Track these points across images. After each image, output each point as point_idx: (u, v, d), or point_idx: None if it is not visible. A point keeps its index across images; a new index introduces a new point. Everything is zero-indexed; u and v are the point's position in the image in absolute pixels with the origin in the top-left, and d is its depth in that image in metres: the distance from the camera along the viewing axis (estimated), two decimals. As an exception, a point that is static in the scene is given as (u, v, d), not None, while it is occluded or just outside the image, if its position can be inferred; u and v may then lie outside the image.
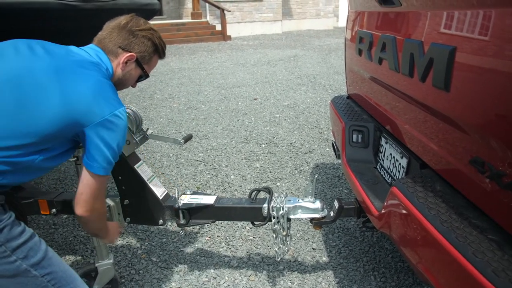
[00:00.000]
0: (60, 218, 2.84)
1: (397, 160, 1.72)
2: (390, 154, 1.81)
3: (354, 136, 2.09)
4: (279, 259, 2.03)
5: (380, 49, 1.71)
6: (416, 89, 1.40)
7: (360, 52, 2.04)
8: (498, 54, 0.99)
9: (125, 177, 1.97)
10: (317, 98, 6.02)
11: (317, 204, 1.86)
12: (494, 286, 0.87)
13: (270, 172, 3.60)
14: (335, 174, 3.51)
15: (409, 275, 2.21)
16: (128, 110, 1.91)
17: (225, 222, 2.75)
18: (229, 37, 13.07)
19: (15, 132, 1.20)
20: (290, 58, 9.47)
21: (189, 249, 2.52)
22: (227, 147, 4.23)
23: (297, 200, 1.88)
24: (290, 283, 2.17)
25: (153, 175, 2.04)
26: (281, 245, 1.93)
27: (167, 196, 2.03)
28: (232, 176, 3.54)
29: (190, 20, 13.58)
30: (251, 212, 1.92)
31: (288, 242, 1.98)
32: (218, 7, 12.76)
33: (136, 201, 2.01)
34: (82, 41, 1.43)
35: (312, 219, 1.89)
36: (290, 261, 2.36)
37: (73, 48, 1.41)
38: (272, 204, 1.87)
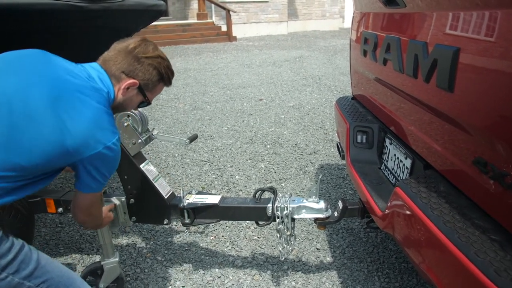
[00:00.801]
0: (66, 217, 2.86)
1: (401, 161, 1.73)
2: (394, 155, 1.81)
3: (359, 137, 2.10)
4: (283, 258, 2.04)
5: (384, 50, 1.72)
6: (420, 90, 1.41)
7: (365, 53, 2.05)
8: (502, 55, 0.99)
9: (130, 176, 1.99)
10: (322, 99, 6.02)
11: (321, 204, 1.87)
12: (496, 285, 0.88)
13: (275, 172, 3.61)
14: (340, 174, 3.52)
15: (413, 275, 2.21)
16: (135, 111, 1.93)
17: (230, 222, 2.77)
18: (235, 38, 13.10)
19: (4, 164, 1.16)
20: (295, 59, 9.47)
21: (194, 249, 2.53)
22: (232, 147, 4.24)
23: (301, 200, 1.89)
24: (294, 283, 2.18)
25: (158, 174, 2.06)
26: (285, 245, 1.94)
27: (172, 195, 2.04)
28: (237, 176, 3.55)
29: (196, 21, 13.63)
30: (255, 212, 1.93)
31: (292, 242, 1.99)
32: (224, 8, 12.80)
33: (141, 200, 2.03)
34: (88, 42, 1.44)
35: (316, 219, 1.90)
36: (294, 261, 2.37)
37: (76, 68, 1.35)
38: (276, 204, 1.89)
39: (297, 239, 2.57)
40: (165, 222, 2.03)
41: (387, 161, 1.90)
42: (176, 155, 4.09)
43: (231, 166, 3.77)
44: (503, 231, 1.03)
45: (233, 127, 4.87)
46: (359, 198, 1.93)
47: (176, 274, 2.30)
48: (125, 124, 1.91)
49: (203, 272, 2.31)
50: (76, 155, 1.23)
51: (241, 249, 2.51)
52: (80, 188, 1.34)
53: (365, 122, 2.13)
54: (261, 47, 11.87)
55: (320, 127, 4.77)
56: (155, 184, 2.00)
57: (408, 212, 1.30)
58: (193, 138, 2.12)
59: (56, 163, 1.26)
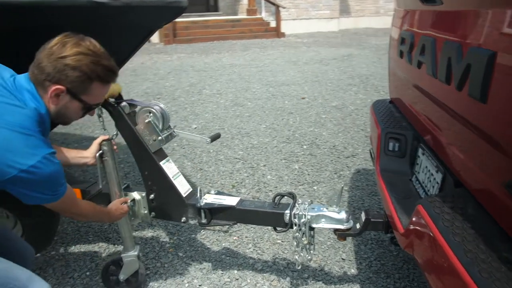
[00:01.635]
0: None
1: (432, 175, 1.58)
2: (426, 167, 1.66)
3: (391, 144, 1.96)
4: (300, 267, 1.94)
5: (419, 51, 1.57)
6: (452, 98, 1.27)
7: (401, 54, 1.90)
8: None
9: (150, 173, 1.98)
10: (367, 99, 5.80)
11: (342, 215, 1.75)
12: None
13: (308, 174, 3.49)
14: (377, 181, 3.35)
15: (443, 297, 2.04)
16: (156, 107, 1.90)
17: (255, 223, 2.70)
18: (283, 34, 12.96)
19: None
20: (343, 57, 9.22)
21: (215, 247, 2.49)
22: (267, 146, 4.17)
23: (321, 208, 1.79)
24: (313, 293, 2.09)
25: (178, 172, 2.03)
26: (302, 254, 1.84)
27: (191, 194, 2.00)
28: (268, 176, 3.48)
29: (245, 17, 13.62)
30: (272, 217, 1.85)
31: (312, 251, 1.89)
32: (274, 4, 12.69)
33: (160, 196, 2.01)
34: (109, 40, 1.41)
35: (336, 230, 1.79)
36: (316, 269, 2.27)
37: (4, 84, 1.26)
38: (294, 210, 1.79)
39: (322, 247, 2.46)
40: (182, 220, 2.00)
41: (419, 173, 1.75)
42: (211, 151, 4.07)
43: (264, 165, 3.70)
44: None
45: (271, 125, 4.80)
46: (384, 211, 1.80)
47: (195, 272, 2.27)
48: (146, 120, 1.89)
49: (222, 272, 2.26)
50: None
51: (263, 252, 2.44)
52: (29, 203, 1.28)
53: (398, 128, 1.98)
54: (310, 44, 11.67)
55: (362, 130, 4.59)
56: (174, 182, 1.97)
57: (427, 234, 1.17)
58: (215, 137, 2.07)
59: None
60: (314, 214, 1.77)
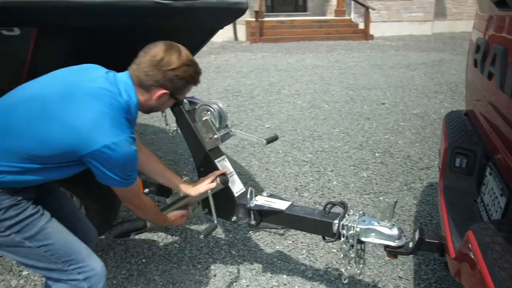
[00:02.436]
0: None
1: (496, 197, 1.43)
2: (492, 188, 1.51)
3: (458, 160, 1.80)
4: (346, 281, 1.87)
5: (490, 61, 1.43)
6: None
7: (475, 62, 1.74)
8: None
9: (205, 169, 2.02)
10: (453, 109, 5.39)
11: (394, 231, 1.65)
12: None
13: (376, 184, 3.35)
14: (451, 197, 3.11)
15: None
16: (214, 106, 1.94)
17: (312, 229, 2.65)
18: (372, 37, 12.53)
19: (20, 151, 1.33)
20: (434, 63, 8.67)
21: (269, 249, 2.49)
22: (338, 151, 4.07)
23: (372, 222, 1.70)
24: (361, 309, 2.00)
25: (232, 171, 2.06)
26: (349, 267, 1.77)
27: (243, 194, 2.02)
28: (334, 182, 3.40)
29: (333, 17, 13.39)
30: (321, 226, 1.80)
31: (361, 265, 1.81)
32: (363, 5, 12.32)
33: (213, 194, 2.04)
34: (172, 40, 1.47)
35: (386, 246, 1.69)
36: (369, 284, 2.17)
37: (104, 76, 1.45)
38: (343, 221, 1.73)
39: (379, 262, 2.34)
40: (233, 220, 2.02)
41: (484, 194, 1.59)
42: (280, 152, 4.08)
43: (332, 171, 3.61)
44: None
45: (345, 130, 4.67)
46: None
47: (244, 272, 2.29)
48: (204, 118, 1.94)
49: (271, 275, 2.25)
50: (77, 152, 1.33)
51: (316, 260, 2.39)
52: (102, 181, 1.42)
53: (468, 143, 1.82)
54: (398, 47, 11.15)
55: (442, 141, 4.28)
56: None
57: (473, 265, 1.06)
58: (271, 140, 2.06)
59: (63, 156, 1.37)
60: (364, 227, 1.69)
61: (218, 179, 1.88)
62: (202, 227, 2.71)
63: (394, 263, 2.33)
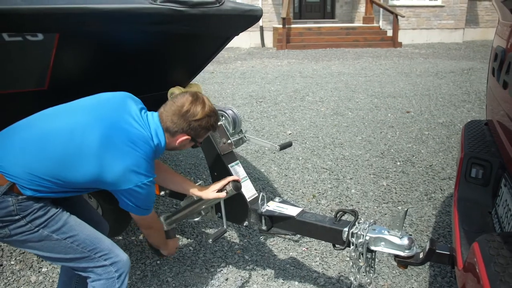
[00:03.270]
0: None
1: (509, 210, 1.39)
2: (506, 200, 1.47)
3: (473, 170, 1.76)
4: (356, 290, 1.85)
5: (506, 70, 1.40)
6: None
7: (493, 71, 1.70)
8: None
9: (219, 174, 2.05)
10: (480, 118, 5.26)
11: (404, 241, 1.62)
12: None
13: (396, 193, 3.30)
14: (473, 209, 3.02)
15: None
16: (229, 112, 1.98)
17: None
18: (400, 44, 12.35)
19: (53, 176, 1.47)
20: (463, 71, 8.47)
21: (282, 255, 2.49)
22: (359, 159, 4.03)
23: (383, 231, 1.68)
24: (372, 320, 1.97)
25: (246, 176, 2.08)
26: (358, 276, 1.75)
27: (255, 199, 2.03)
28: (353, 190, 3.36)
29: (361, 25, 13.28)
30: (331, 233, 1.79)
31: (371, 275, 1.79)
32: (392, 12, 12.17)
33: (226, 198, 2.07)
34: (187, 47, 1.51)
35: (396, 256, 1.66)
36: (382, 295, 2.14)
37: (138, 118, 1.58)
38: (353, 229, 1.71)
39: (394, 272, 2.31)
40: (245, 224, 2.04)
41: (499, 206, 1.55)
42: (300, 158, 4.07)
43: (351, 179, 3.58)
44: None
45: (367, 138, 4.62)
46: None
47: (256, 277, 2.29)
48: (218, 123, 1.97)
49: (283, 282, 2.25)
50: (109, 186, 1.53)
51: (329, 267, 2.37)
52: (123, 207, 1.61)
53: (485, 153, 1.78)
54: (427, 55, 10.95)
55: (468, 151, 4.17)
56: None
57: (476, 277, 1.04)
58: (285, 146, 2.07)
59: (94, 186, 1.56)
60: (373, 235, 1.67)
61: (230, 185, 1.91)
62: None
63: (408, 274, 2.29)
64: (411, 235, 2.68)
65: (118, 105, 1.59)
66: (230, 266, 2.39)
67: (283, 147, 2.10)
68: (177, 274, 2.32)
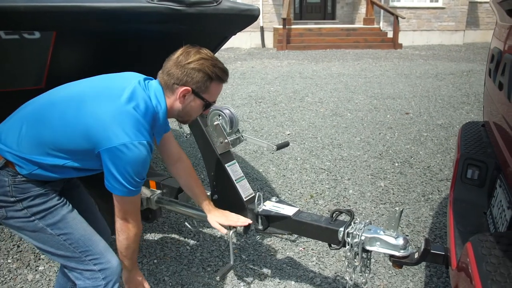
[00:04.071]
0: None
1: (503, 210, 1.39)
2: (501, 201, 1.47)
3: (469, 171, 1.77)
4: (351, 290, 1.85)
5: (501, 71, 1.40)
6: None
7: (489, 72, 1.71)
8: None
9: (216, 174, 2.06)
10: (479, 120, 5.26)
11: (399, 241, 1.63)
12: None
13: (393, 194, 3.30)
14: (470, 210, 3.03)
15: None
16: (226, 111, 1.98)
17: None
18: (400, 46, 12.36)
19: (51, 144, 1.41)
20: (462, 73, 8.48)
21: (279, 255, 2.49)
22: (357, 160, 4.03)
23: (378, 231, 1.68)
24: (368, 320, 1.97)
25: (242, 176, 2.08)
26: (353, 275, 1.76)
27: (252, 199, 2.04)
28: (350, 191, 3.37)
29: (362, 26, 13.30)
30: (326, 233, 1.79)
31: (366, 275, 1.79)
32: (392, 14, 12.18)
33: (223, 198, 2.08)
34: (181, 45, 1.51)
35: (391, 256, 1.67)
36: (378, 295, 2.14)
37: (136, 81, 1.49)
38: (348, 229, 1.72)
39: (390, 272, 2.31)
40: (241, 224, 2.04)
41: (494, 206, 1.56)
42: (299, 158, 4.07)
43: (349, 179, 3.58)
44: None
45: (366, 139, 4.63)
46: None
47: (253, 277, 2.30)
48: (215, 123, 1.98)
49: (279, 281, 2.25)
50: (97, 144, 1.37)
51: (326, 267, 2.37)
52: (107, 186, 1.44)
53: (481, 154, 1.78)
54: (427, 57, 10.96)
55: (466, 152, 4.18)
56: (237, 185, 2.02)
57: (468, 276, 1.04)
58: (282, 146, 2.08)
59: (86, 152, 1.41)
60: (369, 235, 1.68)
61: (239, 228, 1.90)
62: (214, 231, 2.74)
63: (404, 274, 2.29)
64: (407, 235, 2.68)
65: (119, 75, 1.56)
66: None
67: (280, 147, 2.11)
68: (173, 273, 2.32)
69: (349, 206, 3.12)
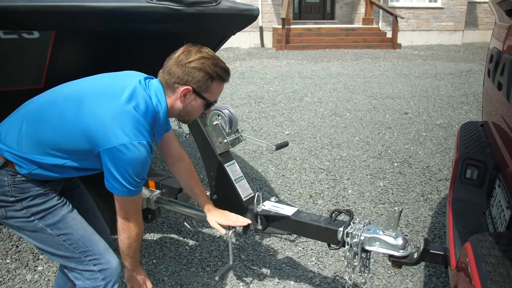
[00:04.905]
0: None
1: (502, 210, 1.39)
2: (500, 201, 1.47)
3: (468, 171, 1.77)
4: (350, 290, 1.85)
5: (500, 71, 1.40)
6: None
7: (489, 72, 1.71)
8: None
9: (215, 174, 2.06)
10: (478, 120, 5.27)
11: (399, 241, 1.63)
12: None
13: (392, 194, 3.30)
14: (469, 210, 3.03)
15: None
16: (225, 111, 1.98)
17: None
18: (399, 46, 12.37)
19: (50, 144, 1.41)
20: (461, 73, 8.49)
21: (278, 255, 2.49)
22: (356, 159, 4.03)
23: (377, 231, 1.68)
24: (367, 320, 1.97)
25: (241, 176, 2.08)
26: (353, 275, 1.76)
27: (251, 199, 2.04)
28: (349, 191, 3.37)
29: (361, 26, 13.30)
30: (325, 233, 1.79)
31: (366, 275, 1.79)
32: (391, 14, 12.19)
33: (222, 198, 2.07)
34: (181, 45, 1.51)
35: (390, 256, 1.67)
36: (377, 295, 2.14)
37: (137, 79, 1.48)
38: (348, 229, 1.72)
39: (389, 272, 2.31)
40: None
41: (493, 206, 1.56)
42: (298, 158, 4.07)
43: (348, 179, 3.59)
44: None
45: (365, 139, 4.63)
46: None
47: (252, 276, 2.30)
48: (214, 123, 1.98)
49: (278, 281, 2.25)
50: (96, 144, 1.36)
51: (325, 267, 2.37)
52: (107, 186, 1.43)
53: (480, 154, 1.78)
54: (426, 57, 10.97)
55: (465, 152, 4.18)
56: (236, 185, 2.02)
57: (468, 276, 1.04)
58: (281, 146, 2.07)
59: (86, 152, 1.41)
60: (368, 235, 1.68)
61: (240, 229, 1.89)
62: (214, 231, 2.74)
63: (404, 274, 2.29)
64: (406, 235, 2.69)
65: (120, 73, 1.54)
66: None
67: (279, 146, 2.11)
68: (173, 273, 2.32)
69: (348, 206, 3.12)
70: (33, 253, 2.48)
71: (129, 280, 1.71)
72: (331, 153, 4.21)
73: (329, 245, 1.86)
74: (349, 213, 1.80)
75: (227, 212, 1.94)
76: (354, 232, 1.70)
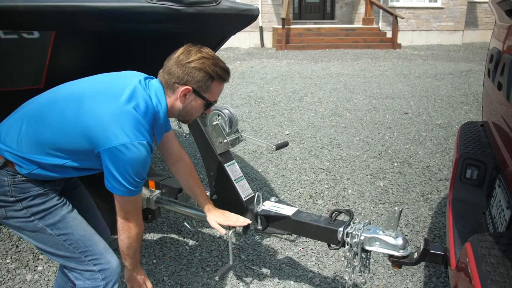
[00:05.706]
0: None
1: (502, 210, 1.39)
2: (500, 201, 1.47)
3: (468, 171, 1.77)
4: (350, 290, 1.85)
5: (500, 71, 1.40)
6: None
7: (489, 72, 1.71)
8: None
9: (215, 174, 2.05)
10: (478, 120, 5.27)
11: (399, 241, 1.63)
12: None
13: (392, 194, 3.30)
14: (469, 210, 3.03)
15: None
16: (225, 111, 1.98)
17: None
18: (399, 46, 12.37)
19: (50, 144, 1.41)
20: (461, 73, 8.49)
21: (278, 255, 2.49)
22: (356, 159, 4.03)
23: (377, 231, 1.68)
24: (367, 320, 1.97)
25: (241, 176, 2.08)
26: (353, 275, 1.76)
27: (251, 199, 2.04)
28: (349, 191, 3.37)
29: (361, 26, 13.30)
30: (326, 233, 1.79)
31: (366, 275, 1.79)
32: (391, 14, 12.19)
33: (222, 198, 2.07)
34: (180, 45, 1.51)
35: (390, 256, 1.67)
36: (377, 295, 2.14)
37: (137, 80, 1.48)
38: (348, 229, 1.72)
39: (389, 272, 2.31)
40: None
41: (493, 206, 1.56)
42: (298, 158, 4.07)
43: (348, 179, 3.58)
44: None
45: (365, 139, 4.63)
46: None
47: (252, 276, 2.30)
48: (214, 123, 1.98)
49: (278, 281, 2.25)
50: (96, 144, 1.36)
51: (325, 267, 2.37)
52: (107, 186, 1.43)
53: (480, 155, 1.78)
54: (426, 57, 10.97)
55: (465, 152, 4.18)
56: (236, 185, 2.02)
57: (468, 276, 1.04)
58: (281, 146, 2.07)
59: (85, 152, 1.41)
60: (368, 235, 1.68)
61: (240, 229, 1.89)
62: (214, 231, 2.74)
63: (404, 274, 2.29)
64: (406, 235, 2.69)
65: (120, 73, 1.54)
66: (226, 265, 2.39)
67: (279, 147, 2.11)
68: (173, 273, 2.32)
69: (348, 206, 3.12)
70: (33, 253, 2.48)
71: (129, 280, 1.71)
72: (331, 153, 4.21)
73: (329, 245, 1.86)
74: (349, 213, 1.80)
75: (227, 212, 1.94)
76: (354, 232, 1.70)
